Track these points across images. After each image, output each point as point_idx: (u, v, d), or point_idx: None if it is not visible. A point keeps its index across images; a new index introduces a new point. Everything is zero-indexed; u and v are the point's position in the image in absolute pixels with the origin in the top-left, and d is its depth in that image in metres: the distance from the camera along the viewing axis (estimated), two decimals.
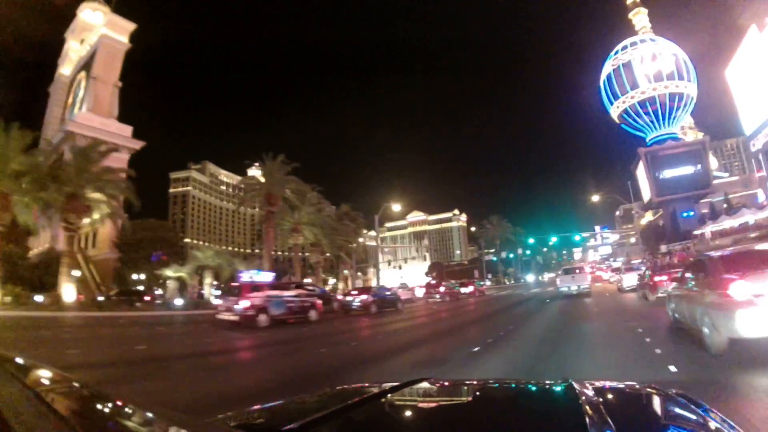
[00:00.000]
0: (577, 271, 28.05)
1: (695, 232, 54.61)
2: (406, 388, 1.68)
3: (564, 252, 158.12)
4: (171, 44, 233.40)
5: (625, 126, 78.80)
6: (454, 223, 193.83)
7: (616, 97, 76.30)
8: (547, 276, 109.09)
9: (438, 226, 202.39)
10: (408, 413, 1.61)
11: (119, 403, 0.97)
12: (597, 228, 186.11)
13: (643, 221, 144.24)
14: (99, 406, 0.98)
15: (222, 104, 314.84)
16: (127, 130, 77.11)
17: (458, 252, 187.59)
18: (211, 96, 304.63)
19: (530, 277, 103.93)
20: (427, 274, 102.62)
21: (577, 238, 49.27)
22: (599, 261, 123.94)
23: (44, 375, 1.08)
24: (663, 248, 57.65)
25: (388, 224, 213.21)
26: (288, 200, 36.02)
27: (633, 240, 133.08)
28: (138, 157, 74.51)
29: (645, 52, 74.51)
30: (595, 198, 50.19)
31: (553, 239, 54.68)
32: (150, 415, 0.92)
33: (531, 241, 64.42)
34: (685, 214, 58.17)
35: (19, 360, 1.14)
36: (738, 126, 61.72)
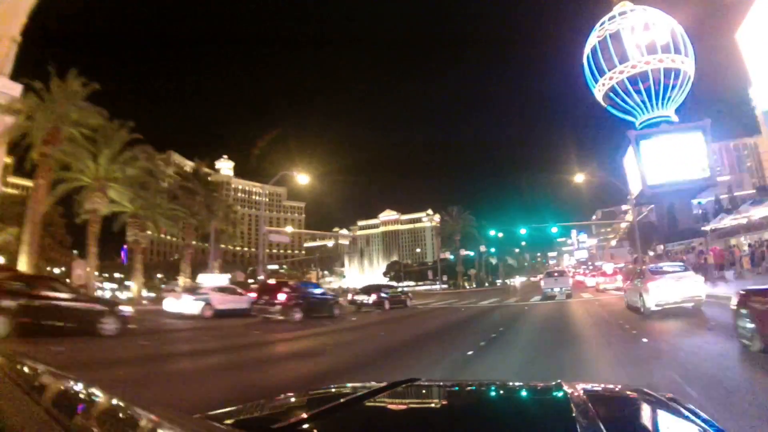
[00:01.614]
0: (557, 274, 27.30)
1: (704, 228, 40.20)
2: (395, 389, 1.57)
3: (538, 255, 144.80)
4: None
5: (611, 108, 64.85)
6: (427, 223, 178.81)
7: (602, 73, 62.25)
8: (518, 280, 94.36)
9: (411, 225, 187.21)
10: (397, 414, 1.50)
11: (111, 400, 0.93)
12: (573, 233, 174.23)
13: (624, 224, 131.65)
14: (92, 405, 0.95)
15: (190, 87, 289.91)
16: (16, 88, 60.75)
17: (419, 251, 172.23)
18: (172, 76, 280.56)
19: (510, 280, 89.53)
20: (384, 274, 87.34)
21: (554, 230, 35.29)
22: (576, 265, 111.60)
23: (39, 374, 1.03)
24: (660, 248, 43.24)
25: (360, 223, 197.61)
26: (82, 142, 20.65)
27: (614, 243, 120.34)
28: None
29: (636, 20, 60.72)
30: (579, 178, 35.56)
31: (522, 231, 40.20)
32: (139, 412, 0.88)
33: (493, 233, 49.78)
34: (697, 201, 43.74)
35: (14, 358, 1.10)
36: (725, 127, 49.03)
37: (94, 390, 0.97)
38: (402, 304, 25.62)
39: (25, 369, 1.03)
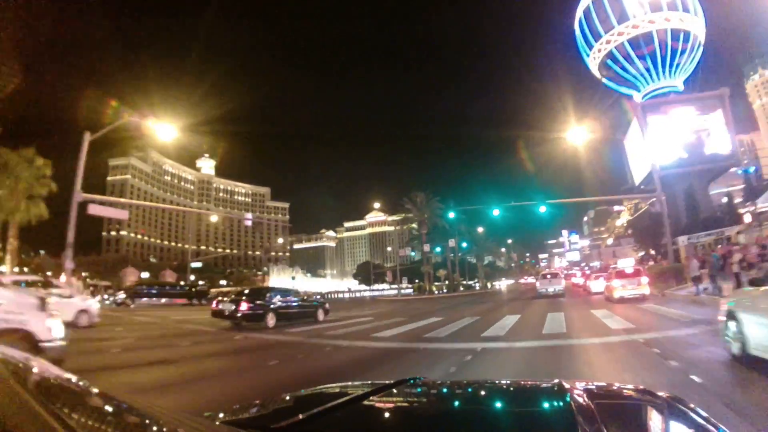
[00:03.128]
0: (550, 276, 28.90)
1: (742, 210, 28.41)
2: (396, 388, 1.52)
3: (527, 255, 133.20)
4: None
5: (609, 81, 53.22)
6: (413, 225, 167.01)
7: (597, 38, 50.58)
8: (505, 282, 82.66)
9: (399, 227, 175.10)
10: (398, 412, 1.45)
11: (113, 400, 0.91)
12: (564, 233, 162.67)
13: (619, 222, 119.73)
14: (91, 405, 0.92)
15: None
16: None
17: (390, 250, 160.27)
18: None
19: (497, 282, 77.49)
20: (354, 276, 75.24)
21: (542, 209, 24.05)
22: (567, 266, 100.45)
23: (39, 373, 1.01)
24: (681, 240, 31.22)
25: (347, 224, 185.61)
26: None
27: (609, 242, 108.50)
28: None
29: None
30: (578, 134, 24.12)
31: (495, 212, 29.62)
32: (141, 411, 0.86)
33: (452, 215, 37.91)
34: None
35: (15, 358, 1.06)
36: None
37: (96, 390, 0.92)
38: (309, 317, 15.37)
39: (29, 369, 0.99)
